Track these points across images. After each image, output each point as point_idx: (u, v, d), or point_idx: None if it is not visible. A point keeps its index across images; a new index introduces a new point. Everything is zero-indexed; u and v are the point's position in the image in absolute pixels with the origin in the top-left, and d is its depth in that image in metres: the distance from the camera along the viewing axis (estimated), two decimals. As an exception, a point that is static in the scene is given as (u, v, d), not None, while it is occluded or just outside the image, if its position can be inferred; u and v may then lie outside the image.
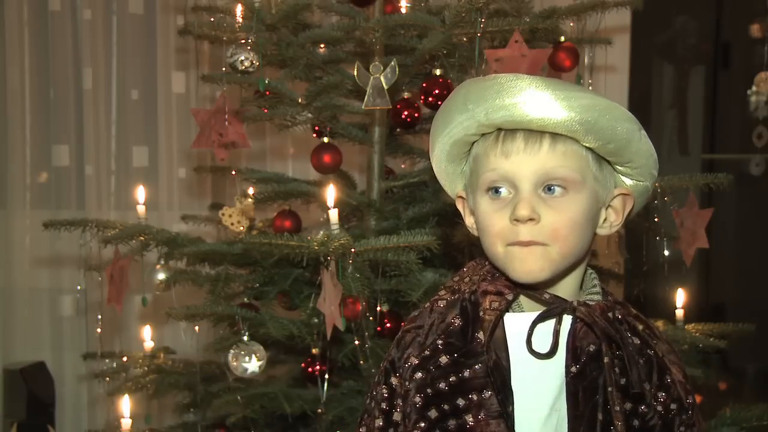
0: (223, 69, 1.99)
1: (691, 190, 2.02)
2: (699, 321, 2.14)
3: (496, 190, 1.00)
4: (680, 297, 2.11)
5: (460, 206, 1.11)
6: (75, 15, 2.85)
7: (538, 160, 0.98)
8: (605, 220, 1.06)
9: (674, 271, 2.12)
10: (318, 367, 1.90)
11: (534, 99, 0.96)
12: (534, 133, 0.98)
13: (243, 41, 1.89)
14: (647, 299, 2.21)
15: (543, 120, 0.96)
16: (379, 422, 1.08)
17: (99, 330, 2.23)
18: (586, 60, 2.21)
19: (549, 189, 0.99)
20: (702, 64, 3.61)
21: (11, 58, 2.84)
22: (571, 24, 2.00)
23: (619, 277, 2.29)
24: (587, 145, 0.99)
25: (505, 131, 1.00)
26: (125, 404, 2.11)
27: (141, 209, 2.13)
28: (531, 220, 0.97)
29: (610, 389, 1.00)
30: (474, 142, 1.04)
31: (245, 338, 1.87)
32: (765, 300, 3.31)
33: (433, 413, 1.03)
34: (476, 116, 0.99)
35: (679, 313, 2.10)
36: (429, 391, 1.03)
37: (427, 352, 1.05)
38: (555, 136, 0.98)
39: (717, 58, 3.53)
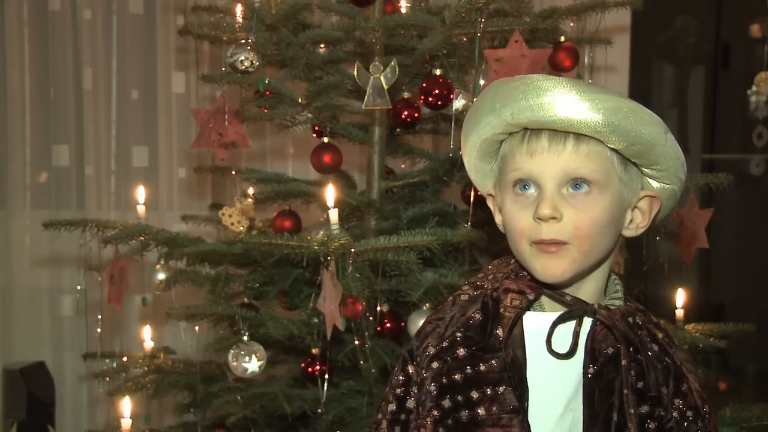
0: (223, 69, 1.99)
1: (691, 190, 2.02)
2: (699, 321, 2.14)
3: (524, 187, 1.02)
4: (680, 297, 2.10)
5: (490, 204, 1.13)
6: (75, 15, 2.85)
7: (562, 160, 0.99)
8: (631, 221, 1.07)
9: (674, 271, 2.12)
10: (318, 367, 1.90)
11: (559, 100, 0.97)
12: (558, 133, 1.00)
13: (243, 41, 1.89)
14: (647, 299, 2.21)
15: (567, 120, 0.97)
16: (392, 407, 1.10)
17: (99, 330, 2.22)
18: (586, 60, 2.21)
19: (572, 187, 1.00)
20: (702, 64, 3.61)
21: (11, 58, 2.84)
22: (571, 24, 2.00)
23: (620, 277, 2.28)
24: (612, 146, 1.00)
25: (531, 131, 1.01)
26: (125, 404, 2.10)
27: (141, 209, 2.13)
28: (553, 218, 0.99)
29: (625, 392, 1.01)
30: (503, 140, 1.06)
31: (245, 338, 1.87)
32: (765, 300, 3.31)
33: (446, 402, 1.04)
34: (503, 116, 1.01)
35: (679, 313, 2.10)
36: (444, 380, 1.05)
37: (445, 344, 1.07)
38: (579, 136, 0.99)
39: (717, 58, 3.53)
